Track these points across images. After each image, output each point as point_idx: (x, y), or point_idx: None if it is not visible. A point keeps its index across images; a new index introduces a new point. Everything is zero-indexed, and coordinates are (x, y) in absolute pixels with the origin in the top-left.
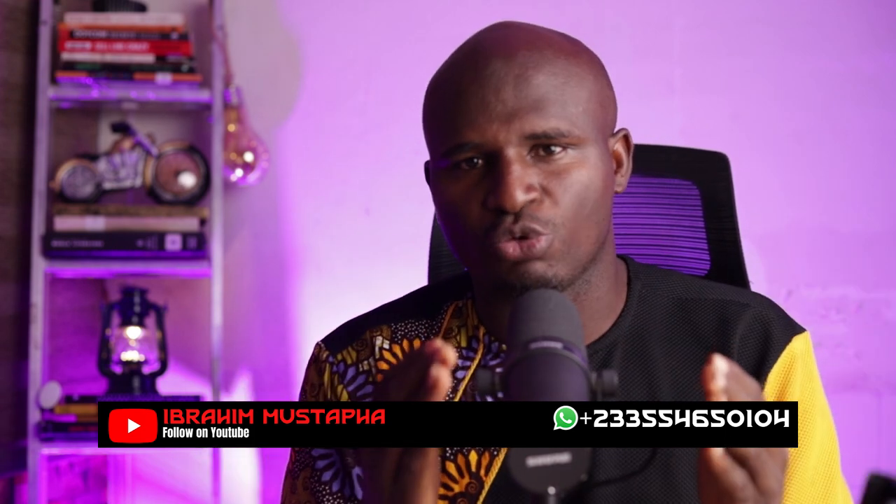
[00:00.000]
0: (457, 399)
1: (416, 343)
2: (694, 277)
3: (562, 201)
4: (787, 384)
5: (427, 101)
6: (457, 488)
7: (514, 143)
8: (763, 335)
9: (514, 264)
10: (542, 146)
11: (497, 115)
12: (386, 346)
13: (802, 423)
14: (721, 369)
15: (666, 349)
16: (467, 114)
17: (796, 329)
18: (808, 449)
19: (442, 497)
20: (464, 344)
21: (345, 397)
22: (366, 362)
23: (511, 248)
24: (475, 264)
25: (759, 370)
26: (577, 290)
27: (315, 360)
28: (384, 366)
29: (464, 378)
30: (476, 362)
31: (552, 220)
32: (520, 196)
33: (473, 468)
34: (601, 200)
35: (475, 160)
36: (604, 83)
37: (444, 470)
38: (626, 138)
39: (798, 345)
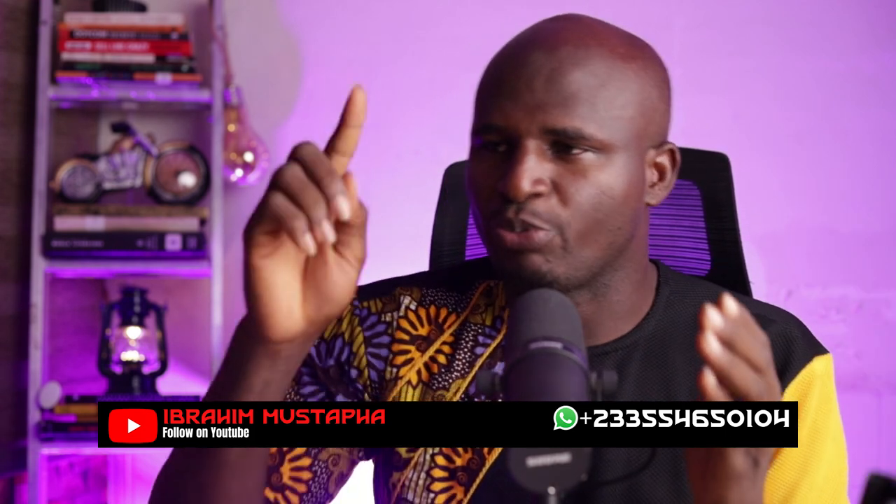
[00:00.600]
0: (472, 372)
1: (443, 311)
2: (723, 289)
3: (572, 201)
4: (802, 402)
5: (480, 80)
6: (459, 462)
7: (535, 135)
8: (785, 352)
9: (512, 252)
10: (563, 143)
11: (524, 104)
12: (413, 306)
13: (812, 444)
14: (731, 310)
15: (687, 356)
16: (499, 98)
17: (819, 350)
18: (815, 470)
19: (443, 469)
20: (488, 322)
21: (360, 340)
22: (389, 315)
23: (509, 238)
24: (485, 245)
25: None
26: (595, 291)
27: None
28: (405, 324)
29: (482, 354)
30: (497, 341)
31: (555, 219)
32: (525, 187)
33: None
34: (619, 209)
35: (501, 143)
36: (653, 94)
37: None
38: (673, 153)
39: (818, 365)
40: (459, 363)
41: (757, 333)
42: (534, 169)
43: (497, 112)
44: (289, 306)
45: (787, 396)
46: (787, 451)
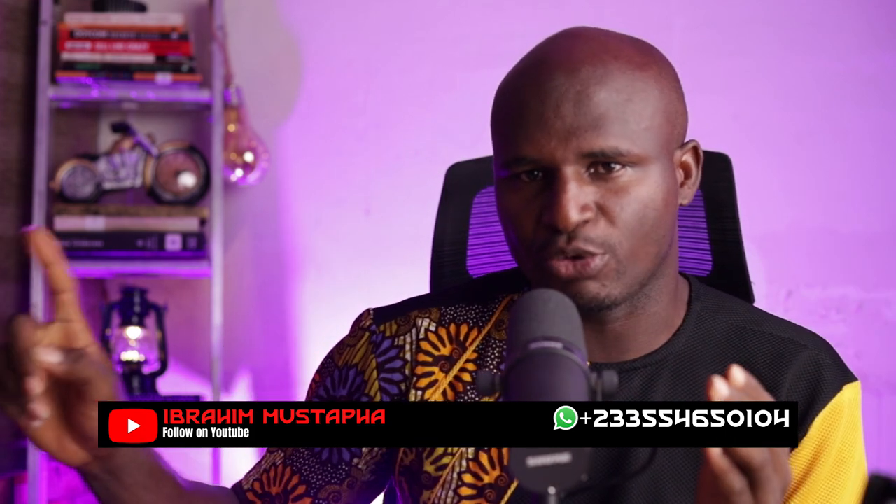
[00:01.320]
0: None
1: (464, 328)
2: (755, 308)
3: (619, 220)
4: (831, 432)
5: (493, 108)
6: (486, 479)
7: (572, 161)
8: (815, 379)
9: (566, 283)
10: (600, 164)
11: (555, 131)
12: (432, 328)
13: (837, 474)
14: (738, 380)
15: (715, 374)
16: (527, 128)
17: (848, 377)
18: (838, 499)
19: (471, 486)
20: None
21: (372, 366)
22: (401, 338)
23: (564, 268)
24: (530, 274)
25: (805, 414)
26: (636, 303)
27: (357, 323)
28: (426, 346)
29: None
30: None
31: (607, 240)
32: (574, 216)
33: (506, 461)
34: (662, 218)
35: (535, 172)
36: (672, 96)
37: (476, 459)
38: (696, 149)
39: (847, 394)
40: None
41: (764, 400)
42: (577, 196)
43: (527, 143)
44: (59, 446)
45: (816, 425)
46: (812, 481)
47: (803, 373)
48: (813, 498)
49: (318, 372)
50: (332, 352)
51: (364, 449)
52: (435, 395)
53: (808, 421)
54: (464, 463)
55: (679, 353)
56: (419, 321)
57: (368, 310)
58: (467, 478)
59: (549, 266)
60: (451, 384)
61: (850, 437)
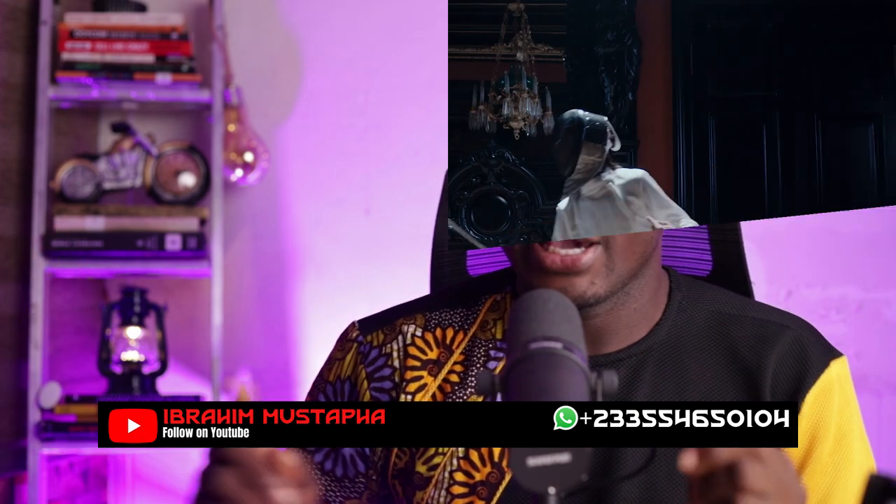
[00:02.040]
0: None
1: (450, 332)
2: (736, 294)
3: None
4: (825, 409)
5: None
6: (478, 476)
7: None
8: (800, 358)
9: (553, 276)
10: None
11: None
12: (418, 333)
13: (840, 448)
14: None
15: (700, 361)
16: None
17: (833, 353)
18: (847, 473)
19: (462, 484)
20: (499, 336)
21: (362, 377)
22: (389, 346)
23: (549, 261)
24: (517, 262)
25: (795, 393)
26: (615, 301)
27: (344, 336)
28: (414, 350)
29: (495, 369)
30: None
31: None
32: None
33: (496, 458)
34: None
35: None
36: None
37: (467, 458)
38: None
39: (835, 369)
40: (473, 379)
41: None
42: None
43: None
44: None
45: (809, 403)
46: (816, 461)
47: (788, 352)
48: (820, 476)
49: (310, 392)
50: (321, 370)
51: (373, 458)
52: (425, 399)
53: (799, 399)
54: (454, 461)
55: (662, 342)
56: (405, 328)
57: (354, 322)
58: (459, 476)
59: (536, 257)
60: (439, 387)
61: (846, 411)
